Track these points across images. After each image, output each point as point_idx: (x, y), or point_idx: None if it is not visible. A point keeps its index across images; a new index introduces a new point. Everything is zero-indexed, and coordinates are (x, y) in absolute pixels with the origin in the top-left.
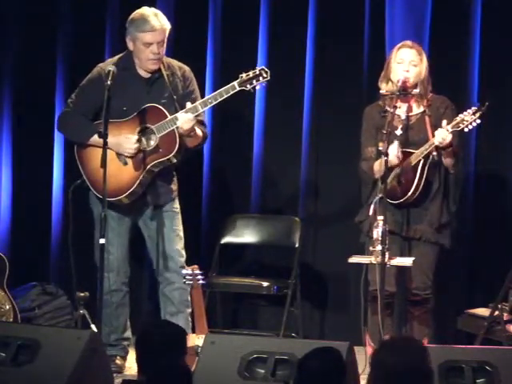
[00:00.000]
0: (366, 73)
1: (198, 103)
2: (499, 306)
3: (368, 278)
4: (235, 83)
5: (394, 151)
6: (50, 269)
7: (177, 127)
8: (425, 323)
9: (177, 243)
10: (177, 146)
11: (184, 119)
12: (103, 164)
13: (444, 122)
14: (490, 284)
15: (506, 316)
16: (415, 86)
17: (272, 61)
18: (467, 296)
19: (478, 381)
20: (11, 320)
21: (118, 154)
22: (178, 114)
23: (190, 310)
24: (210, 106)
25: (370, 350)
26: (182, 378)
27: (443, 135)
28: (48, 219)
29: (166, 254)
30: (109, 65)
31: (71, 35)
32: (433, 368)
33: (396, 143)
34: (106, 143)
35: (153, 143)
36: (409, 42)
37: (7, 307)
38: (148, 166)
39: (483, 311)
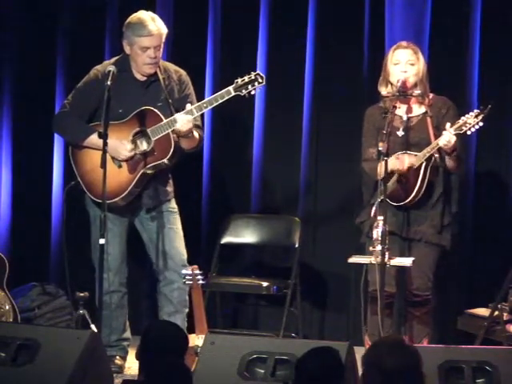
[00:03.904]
0: (366, 73)
1: (193, 107)
2: (499, 305)
3: (367, 278)
4: (230, 88)
5: (395, 160)
6: (50, 269)
7: (172, 130)
8: (425, 323)
9: (176, 241)
10: (172, 149)
11: (183, 121)
12: (103, 164)
13: (448, 125)
14: (490, 284)
15: (505, 316)
16: (415, 85)
17: (272, 62)
18: (467, 296)
19: (477, 381)
20: (11, 320)
21: (113, 158)
22: (176, 116)
23: (187, 310)
24: (205, 110)
25: None
26: (182, 378)
27: (448, 137)
28: (48, 219)
29: (166, 252)
30: (105, 67)
31: (71, 37)
32: (429, 372)
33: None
34: (106, 143)
35: (148, 146)
36: (403, 43)
37: (7, 307)
38: (143, 169)
39: (483, 311)
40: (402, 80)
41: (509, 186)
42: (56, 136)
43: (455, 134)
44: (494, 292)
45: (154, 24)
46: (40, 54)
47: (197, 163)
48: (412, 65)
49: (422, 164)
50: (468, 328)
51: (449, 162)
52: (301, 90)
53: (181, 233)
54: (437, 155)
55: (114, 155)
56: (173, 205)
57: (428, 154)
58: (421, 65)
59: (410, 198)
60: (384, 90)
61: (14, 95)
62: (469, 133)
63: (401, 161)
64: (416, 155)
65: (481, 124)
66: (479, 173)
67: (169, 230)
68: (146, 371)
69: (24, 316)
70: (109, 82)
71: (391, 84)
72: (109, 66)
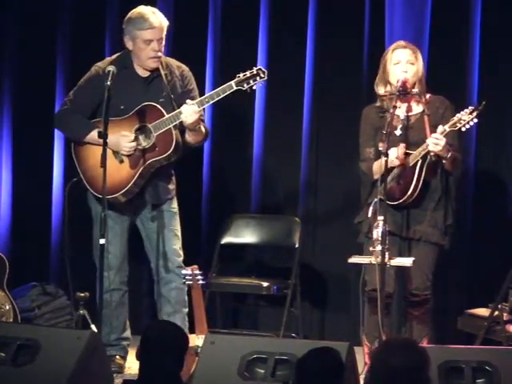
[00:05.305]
0: (366, 73)
1: (195, 102)
2: (499, 305)
3: (365, 278)
4: (232, 83)
5: (394, 154)
6: (50, 269)
7: (180, 122)
8: (424, 323)
9: (174, 243)
10: (173, 144)
11: (189, 111)
12: (103, 164)
13: (439, 128)
14: (490, 284)
15: (506, 316)
16: (414, 85)
17: (272, 61)
18: (467, 296)
19: (477, 381)
20: (11, 320)
21: (115, 152)
22: (182, 108)
23: (186, 310)
24: (206, 105)
25: (366, 349)
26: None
27: (435, 141)
28: (48, 219)
29: (164, 253)
30: (106, 64)
31: (71, 35)
32: (431, 373)
33: (400, 146)
34: (105, 143)
35: (149, 142)
36: (402, 42)
37: (7, 307)
38: (144, 165)
39: (483, 311)
40: (402, 80)
41: (509, 186)
42: (56, 135)
43: (450, 132)
44: (494, 292)
45: (155, 16)
46: (40, 53)
47: (197, 163)
48: (412, 64)
49: (417, 162)
50: (468, 328)
51: (445, 164)
52: (301, 90)
53: (179, 234)
54: (432, 153)
55: (116, 149)
56: (174, 205)
57: (423, 153)
58: (420, 65)
59: (405, 197)
60: (382, 90)
61: (13, 95)
62: (463, 129)
63: (399, 158)
64: (412, 153)
65: (475, 121)
66: (479, 172)
67: (168, 231)
68: (146, 372)
69: (24, 316)
70: (108, 83)
71: (390, 84)
72: (109, 66)
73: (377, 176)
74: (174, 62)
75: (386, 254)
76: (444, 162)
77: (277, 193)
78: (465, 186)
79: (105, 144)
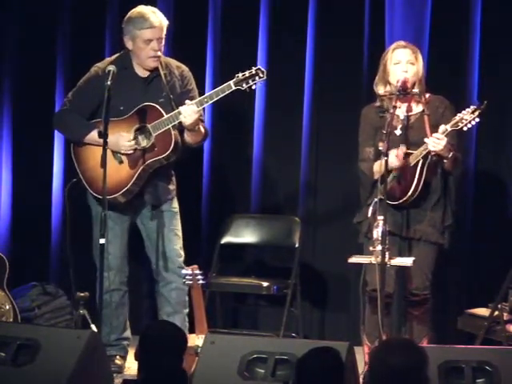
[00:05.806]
0: (366, 73)
1: (194, 102)
2: (499, 305)
3: (366, 278)
4: (231, 82)
5: (393, 155)
6: (50, 269)
7: (179, 123)
8: (424, 323)
9: (175, 243)
10: (172, 144)
11: (188, 112)
12: (103, 164)
13: (441, 128)
14: (490, 284)
15: (506, 316)
16: (414, 85)
17: (272, 61)
18: (467, 296)
19: (477, 381)
20: (11, 320)
21: (114, 153)
22: (181, 107)
23: (187, 311)
24: (206, 104)
25: (366, 349)
26: (178, 381)
27: (436, 140)
28: (48, 219)
29: (164, 253)
30: (106, 64)
31: (71, 35)
32: (431, 373)
33: (400, 148)
34: (106, 143)
35: (149, 142)
36: (402, 42)
37: (7, 307)
38: (143, 165)
39: (483, 311)
40: (402, 80)
41: (509, 186)
42: (56, 135)
43: (452, 131)
44: (494, 292)
45: (155, 16)
46: (40, 53)
47: (197, 163)
48: (412, 64)
49: (418, 162)
50: (468, 328)
51: (445, 165)
52: (301, 90)
53: (180, 234)
54: (433, 153)
55: (115, 149)
56: (175, 205)
57: (424, 152)
58: (420, 65)
59: (406, 197)
60: (382, 90)
61: (13, 95)
62: (465, 129)
63: (398, 158)
64: (412, 153)
65: (477, 120)
66: (479, 172)
67: (169, 231)
68: (145, 372)
69: (24, 316)
70: (109, 82)
71: (390, 84)
72: (109, 65)
73: (377, 176)
74: (173, 62)
75: (386, 253)
76: (445, 161)
77: (277, 193)
78: (465, 186)
79: (105, 144)
